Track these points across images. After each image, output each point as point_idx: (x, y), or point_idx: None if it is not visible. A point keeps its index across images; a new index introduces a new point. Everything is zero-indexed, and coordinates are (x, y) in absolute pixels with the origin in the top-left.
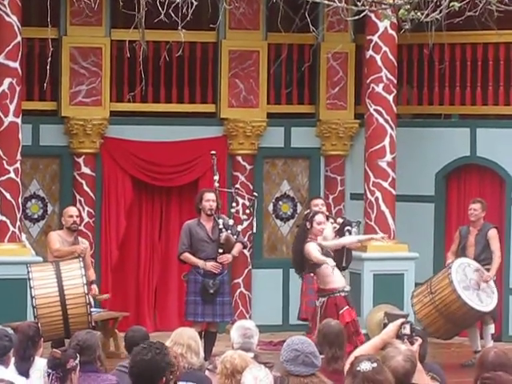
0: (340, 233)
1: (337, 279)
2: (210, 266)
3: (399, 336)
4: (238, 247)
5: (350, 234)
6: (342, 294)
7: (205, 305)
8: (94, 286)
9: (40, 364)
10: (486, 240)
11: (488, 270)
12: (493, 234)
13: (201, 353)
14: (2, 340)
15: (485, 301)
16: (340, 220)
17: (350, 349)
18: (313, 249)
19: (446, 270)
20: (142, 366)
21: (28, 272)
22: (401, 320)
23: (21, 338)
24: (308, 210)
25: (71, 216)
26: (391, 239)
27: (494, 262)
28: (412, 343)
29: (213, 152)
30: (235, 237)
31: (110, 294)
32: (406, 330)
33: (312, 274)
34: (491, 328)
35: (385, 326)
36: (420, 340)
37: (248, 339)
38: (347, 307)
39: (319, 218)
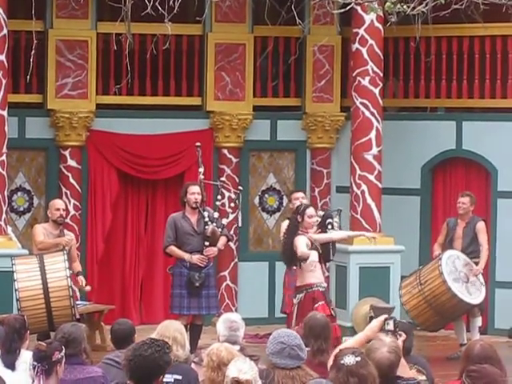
0: (322, 226)
1: (316, 275)
2: (195, 259)
3: (383, 332)
4: (222, 240)
5: (332, 225)
6: (320, 289)
7: (190, 298)
8: (81, 278)
9: (26, 356)
10: (474, 233)
11: (476, 263)
12: (481, 226)
13: (187, 345)
14: None
15: (474, 293)
16: (321, 213)
17: None
18: (300, 242)
19: (436, 262)
20: (140, 361)
21: (12, 265)
22: (384, 316)
23: (7, 331)
24: (297, 202)
25: (58, 209)
26: (377, 232)
27: (483, 255)
28: (397, 338)
29: (197, 144)
30: (220, 230)
31: (95, 287)
32: (390, 325)
33: (295, 268)
34: (478, 320)
35: (371, 319)
36: (404, 335)
37: (234, 332)
38: (323, 302)
39: (310, 211)
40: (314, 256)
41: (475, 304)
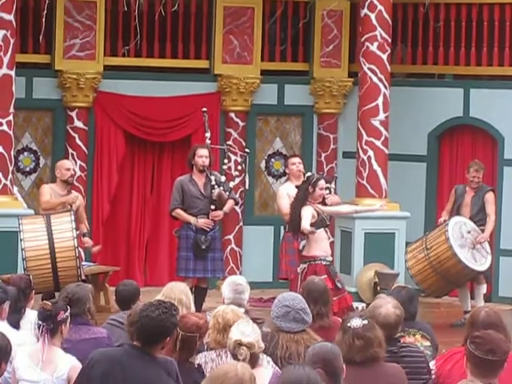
0: (302, 188)
1: (322, 246)
2: (201, 222)
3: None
4: (229, 204)
5: (330, 191)
6: (323, 263)
7: (196, 260)
8: (87, 239)
9: (31, 316)
10: (483, 201)
11: (483, 230)
12: (490, 197)
13: (192, 307)
14: None
15: (479, 260)
16: (309, 173)
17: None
18: (306, 214)
19: (443, 227)
20: (147, 322)
21: (19, 224)
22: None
23: (12, 290)
24: (293, 167)
25: (68, 169)
26: (383, 198)
27: (489, 224)
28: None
29: (204, 109)
30: (227, 193)
31: (100, 247)
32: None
33: (294, 237)
34: (483, 288)
35: (375, 284)
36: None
37: (239, 295)
38: (325, 276)
39: (322, 183)
40: (320, 229)
41: (480, 271)
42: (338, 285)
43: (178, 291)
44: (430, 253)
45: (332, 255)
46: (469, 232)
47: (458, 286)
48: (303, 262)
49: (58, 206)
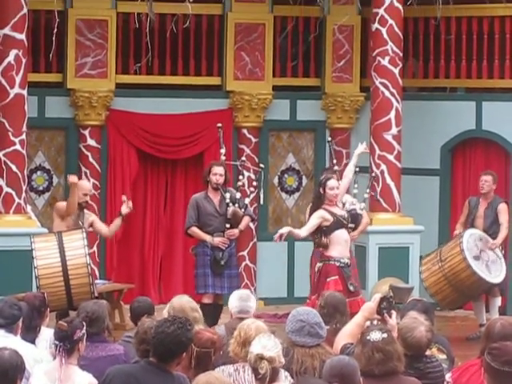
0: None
1: (339, 249)
2: (217, 241)
3: (378, 312)
4: (245, 221)
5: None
6: (337, 264)
7: (214, 277)
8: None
9: (46, 334)
10: (496, 214)
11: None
12: (503, 208)
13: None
14: (11, 308)
15: (494, 272)
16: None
17: None
18: (311, 219)
19: (458, 239)
20: (163, 338)
21: (31, 243)
22: (379, 295)
23: (27, 309)
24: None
25: (86, 194)
26: (397, 212)
27: (501, 232)
28: (390, 316)
29: (219, 125)
30: (243, 210)
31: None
32: (385, 305)
33: (321, 249)
34: (498, 300)
35: (389, 299)
36: (395, 313)
37: (245, 302)
38: (336, 277)
39: (331, 183)
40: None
41: (495, 283)
42: (351, 288)
43: (189, 310)
44: (444, 264)
45: (350, 264)
46: (485, 243)
47: (473, 298)
48: (320, 261)
49: (72, 204)
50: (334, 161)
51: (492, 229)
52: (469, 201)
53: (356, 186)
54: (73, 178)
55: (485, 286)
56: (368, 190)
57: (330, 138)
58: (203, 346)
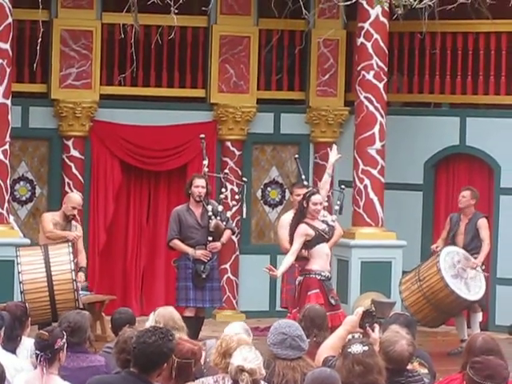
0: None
1: (320, 262)
2: (199, 254)
3: (361, 325)
4: (227, 234)
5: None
6: (317, 278)
7: (196, 290)
8: (81, 274)
9: (27, 344)
10: (476, 229)
11: (476, 259)
12: (482, 223)
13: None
14: None
15: (473, 289)
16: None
17: None
18: (297, 238)
19: (435, 258)
20: (144, 348)
21: (17, 256)
22: (361, 308)
23: (8, 318)
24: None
25: (74, 208)
26: (380, 227)
27: (483, 249)
28: (373, 330)
29: (202, 136)
30: (224, 223)
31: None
32: (367, 318)
33: (295, 263)
34: (479, 316)
35: (372, 313)
36: (377, 326)
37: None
38: (317, 290)
39: (316, 198)
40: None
41: (474, 300)
42: (332, 301)
43: (176, 320)
44: (422, 284)
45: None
46: (463, 260)
47: (453, 316)
48: (301, 274)
49: (59, 239)
50: (303, 176)
51: (472, 244)
52: (450, 217)
53: (338, 202)
54: (74, 238)
55: (464, 304)
56: (338, 202)
57: (296, 155)
58: (184, 357)
